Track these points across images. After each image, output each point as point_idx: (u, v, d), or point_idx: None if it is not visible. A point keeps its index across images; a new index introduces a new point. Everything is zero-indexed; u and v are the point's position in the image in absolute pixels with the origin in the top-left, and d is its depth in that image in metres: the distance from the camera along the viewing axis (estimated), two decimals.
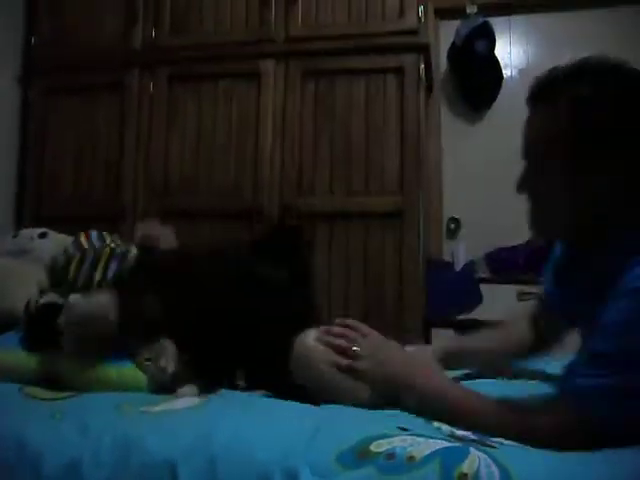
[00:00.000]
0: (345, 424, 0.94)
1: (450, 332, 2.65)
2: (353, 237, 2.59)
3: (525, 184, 1.09)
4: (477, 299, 2.69)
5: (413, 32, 2.60)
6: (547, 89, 1.05)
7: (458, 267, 3.04)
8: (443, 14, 3.26)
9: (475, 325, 1.54)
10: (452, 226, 3.21)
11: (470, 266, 2.93)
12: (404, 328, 2.52)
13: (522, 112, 1.10)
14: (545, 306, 1.34)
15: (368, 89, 2.65)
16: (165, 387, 1.19)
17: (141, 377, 1.20)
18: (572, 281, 1.17)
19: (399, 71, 2.61)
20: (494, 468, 0.77)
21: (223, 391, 1.23)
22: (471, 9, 3.11)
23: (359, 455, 0.82)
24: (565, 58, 1.05)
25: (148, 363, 1.17)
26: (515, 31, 3.24)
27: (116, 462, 0.88)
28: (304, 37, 2.71)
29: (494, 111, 3.20)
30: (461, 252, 3.11)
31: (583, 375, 0.93)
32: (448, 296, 2.78)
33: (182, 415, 1.00)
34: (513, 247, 2.84)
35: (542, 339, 1.38)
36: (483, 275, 2.84)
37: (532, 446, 0.88)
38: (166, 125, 2.79)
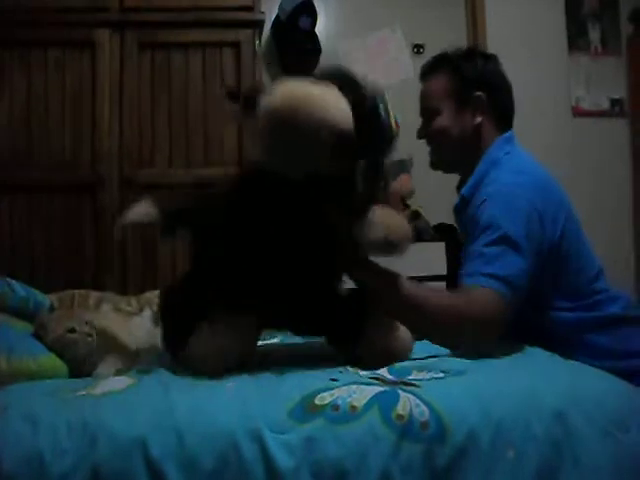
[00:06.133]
0: (284, 385, 1.03)
1: None
2: None
3: (423, 132, 1.57)
4: None
5: (249, 8, 2.68)
6: (435, 64, 1.55)
7: None
8: None
9: None
10: None
11: None
12: None
13: None
14: None
15: (205, 62, 2.68)
16: (84, 363, 1.19)
17: (60, 364, 1.21)
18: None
19: (235, 45, 2.67)
20: (423, 406, 0.93)
21: (134, 371, 1.28)
22: None
23: (308, 409, 0.93)
24: None
25: (71, 335, 1.17)
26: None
27: (79, 447, 0.88)
28: (138, 7, 2.64)
29: None
30: None
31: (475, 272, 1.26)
32: None
33: (129, 394, 1.01)
34: None
35: None
36: None
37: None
38: None
